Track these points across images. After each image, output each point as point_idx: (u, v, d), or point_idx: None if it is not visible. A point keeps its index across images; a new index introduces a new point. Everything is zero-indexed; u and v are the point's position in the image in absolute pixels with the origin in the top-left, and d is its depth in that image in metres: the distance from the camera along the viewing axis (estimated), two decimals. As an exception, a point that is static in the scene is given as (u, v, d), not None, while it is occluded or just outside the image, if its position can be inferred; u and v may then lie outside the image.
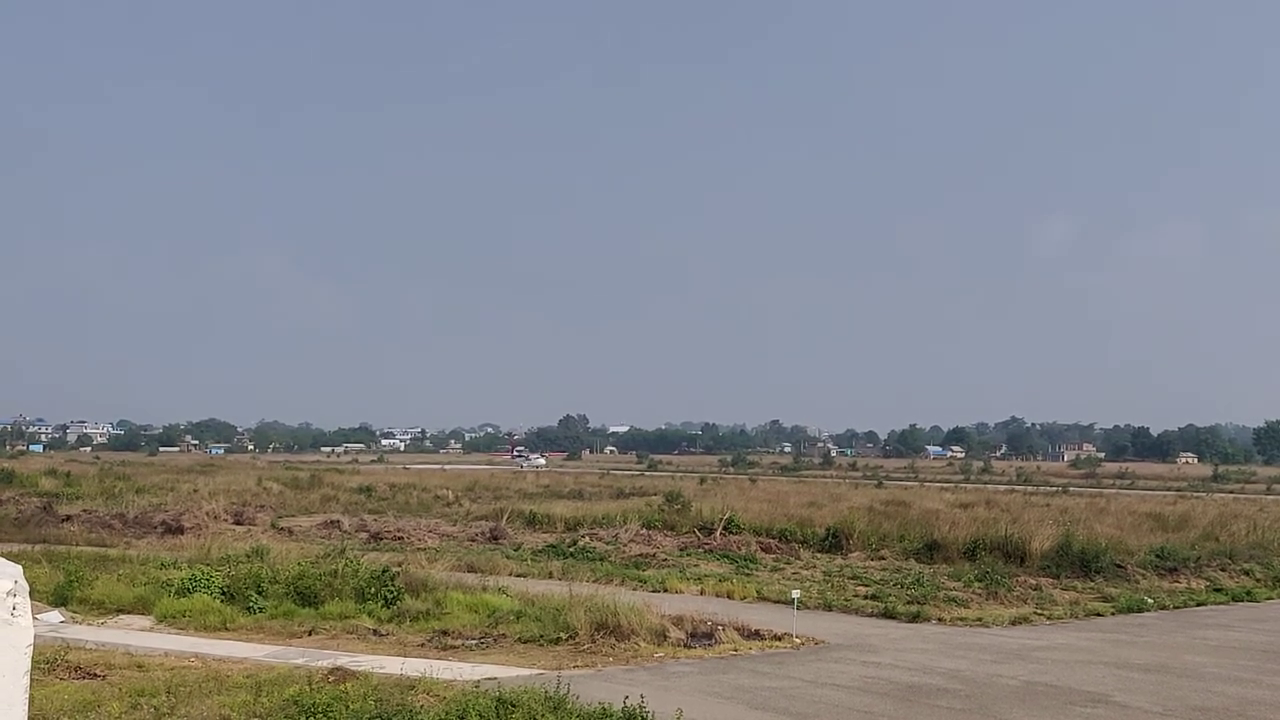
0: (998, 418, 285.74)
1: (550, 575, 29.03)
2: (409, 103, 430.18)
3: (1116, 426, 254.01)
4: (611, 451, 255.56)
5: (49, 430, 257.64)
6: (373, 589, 22.37)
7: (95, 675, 15.82)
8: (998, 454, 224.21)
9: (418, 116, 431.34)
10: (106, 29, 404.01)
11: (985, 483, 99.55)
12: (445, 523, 43.77)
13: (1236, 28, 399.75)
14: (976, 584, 28.38)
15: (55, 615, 21.77)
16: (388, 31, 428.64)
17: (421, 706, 13.74)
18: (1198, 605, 28.22)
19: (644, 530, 38.42)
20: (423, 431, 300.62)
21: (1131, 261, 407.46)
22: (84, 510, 44.87)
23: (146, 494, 54.42)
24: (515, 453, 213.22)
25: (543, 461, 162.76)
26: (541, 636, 19.76)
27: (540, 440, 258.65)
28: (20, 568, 2.89)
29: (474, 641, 19.70)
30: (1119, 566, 31.30)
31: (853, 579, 30.02)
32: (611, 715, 12.82)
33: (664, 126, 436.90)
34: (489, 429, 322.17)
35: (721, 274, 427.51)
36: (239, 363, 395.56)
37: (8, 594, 2.69)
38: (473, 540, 38.58)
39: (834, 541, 36.28)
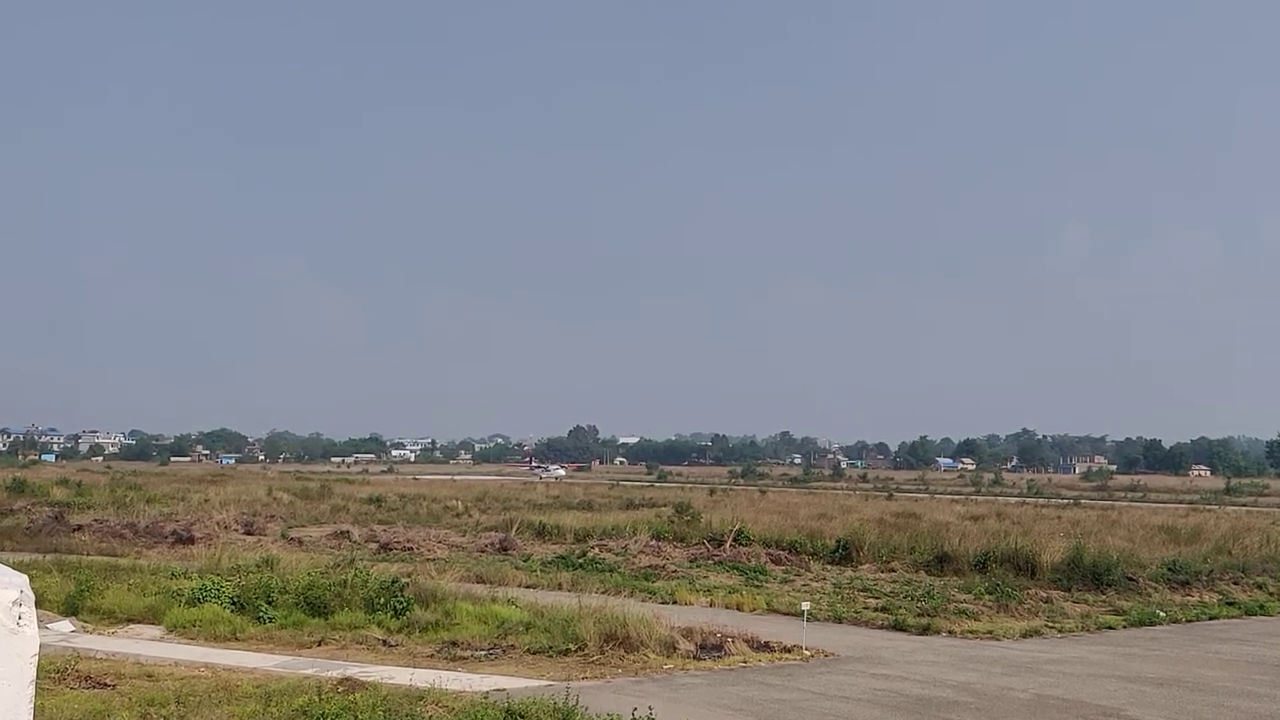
0: (1009, 430, 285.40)
1: (559, 586, 28.99)
2: (418, 110, 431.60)
3: (1128, 439, 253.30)
4: (621, 462, 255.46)
5: (61, 440, 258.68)
6: (382, 599, 22.36)
7: (105, 684, 15.84)
8: (1009, 466, 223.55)
9: (427, 124, 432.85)
10: (116, 37, 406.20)
11: (996, 495, 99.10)
12: (455, 533, 43.72)
13: (1253, 34, 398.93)
14: (987, 596, 28.26)
15: (66, 624, 21.81)
16: (396, 36, 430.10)
17: (430, 717, 13.75)
18: (1210, 619, 28.05)
19: (654, 541, 38.36)
20: (433, 442, 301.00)
21: (1144, 272, 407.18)
22: (95, 519, 44.91)
23: (157, 503, 54.50)
24: (533, 464, 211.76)
25: (562, 472, 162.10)
26: (550, 647, 19.74)
27: (550, 451, 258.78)
28: (26, 577, 2.89)
29: (483, 652, 19.68)
30: (1130, 579, 31.16)
31: (863, 591, 29.93)
32: (620, 727, 12.79)
33: (670, 133, 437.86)
34: (499, 439, 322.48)
35: (732, 284, 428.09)
36: (250, 373, 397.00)
37: (14, 603, 2.69)
38: (482, 551, 38.52)
39: (844, 553, 36.20)
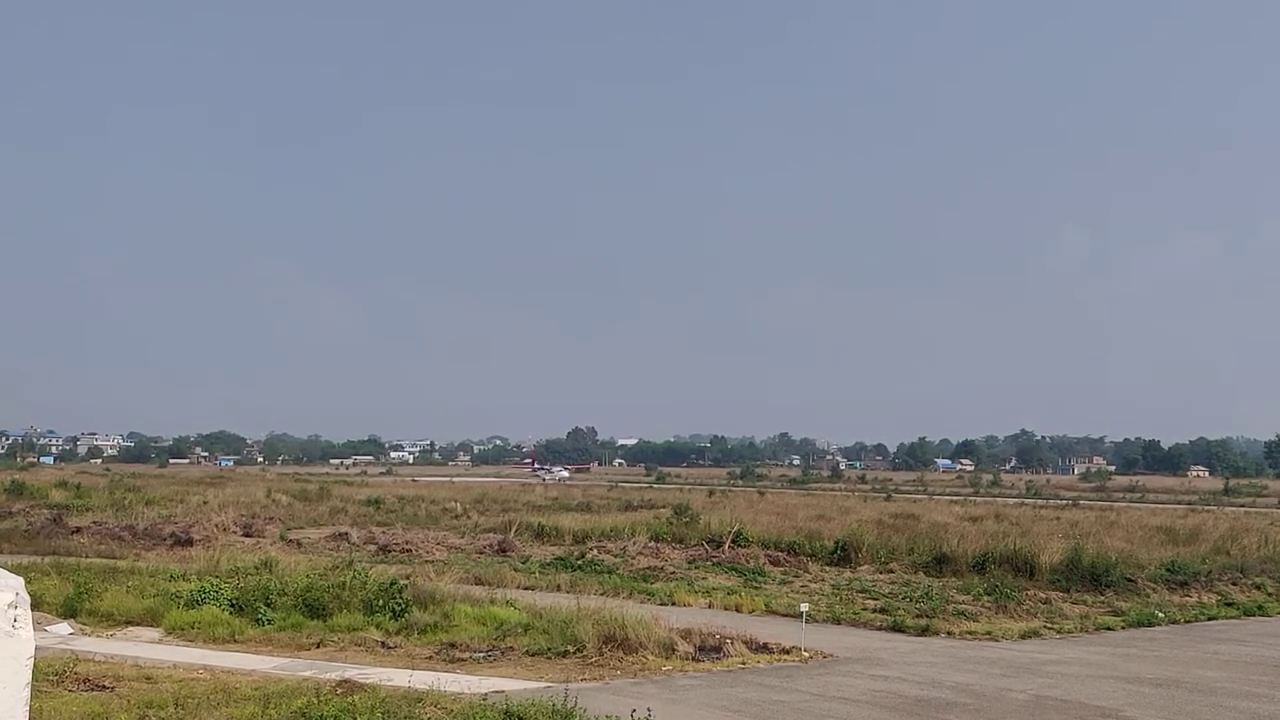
0: (1007, 430, 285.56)
1: (558, 588, 29.01)
2: (417, 112, 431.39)
3: (1127, 439, 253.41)
4: (620, 464, 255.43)
5: (60, 442, 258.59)
6: (381, 601, 22.38)
7: (103, 687, 15.84)
8: (1007, 467, 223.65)
9: (425, 127, 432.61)
10: (113, 44, 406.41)
11: (995, 496, 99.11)
12: (453, 535, 43.73)
13: (1253, 40, 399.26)
14: (986, 597, 28.28)
15: (64, 627, 21.81)
16: (397, 37, 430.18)
17: (429, 719, 13.74)
18: (1209, 619, 28.08)
19: (652, 543, 38.36)
20: (431, 444, 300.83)
21: (1143, 274, 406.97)
22: (94, 522, 44.94)
23: (156, 506, 54.50)
24: (535, 465, 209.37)
25: (566, 474, 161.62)
26: (549, 649, 19.75)
27: (549, 452, 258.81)
28: (22, 580, 2.90)
29: (482, 654, 19.69)
30: (1129, 580, 31.18)
31: (861, 592, 29.94)
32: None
33: (668, 134, 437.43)
34: (497, 441, 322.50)
35: (730, 285, 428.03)
36: (248, 375, 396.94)
37: (9, 606, 2.70)
38: (481, 553, 38.55)
39: (843, 554, 36.19)
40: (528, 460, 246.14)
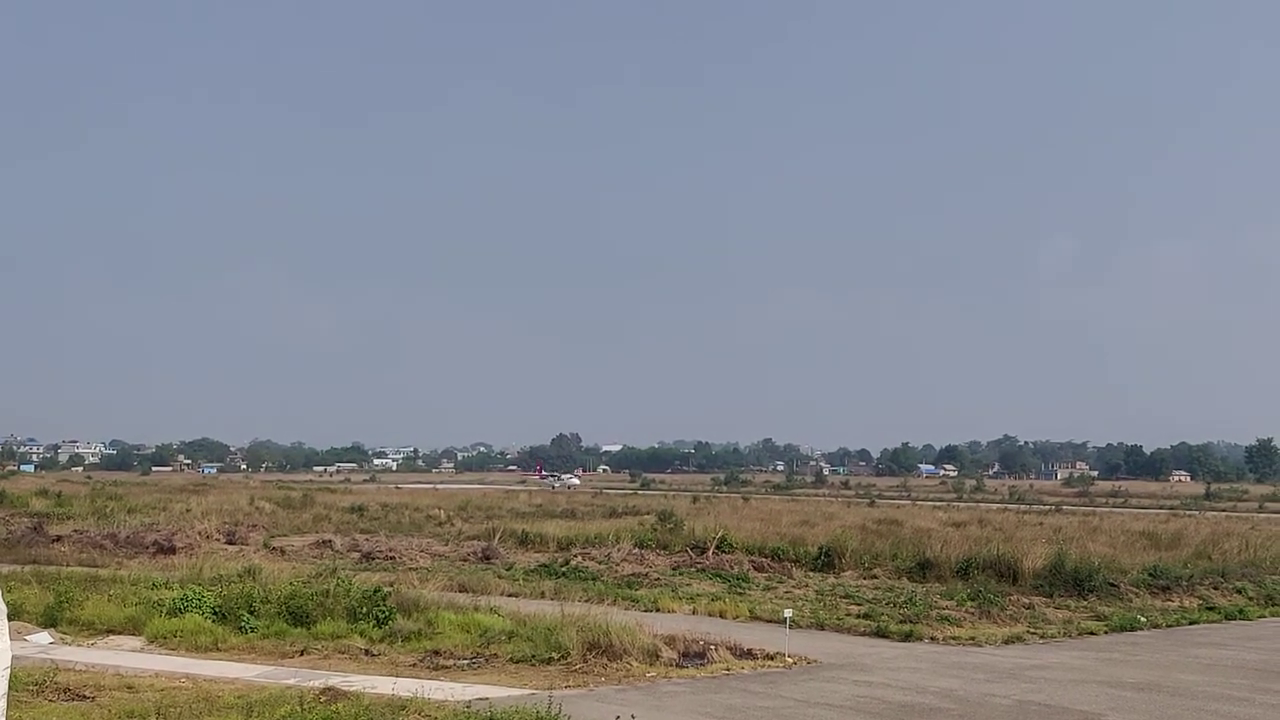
0: (990, 436, 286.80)
1: (542, 595, 29.00)
2: (402, 117, 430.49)
3: (1109, 444, 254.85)
4: (604, 470, 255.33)
5: (40, 450, 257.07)
6: (365, 609, 22.33)
7: (84, 697, 15.74)
8: (990, 472, 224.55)
9: (410, 132, 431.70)
10: (88, 57, 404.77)
11: (978, 501, 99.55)
12: (437, 542, 43.64)
13: (1245, 50, 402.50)
14: (969, 603, 28.36)
15: (44, 636, 21.68)
16: (388, 39, 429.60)
17: (412, 727, 13.71)
18: (1191, 624, 28.24)
19: (636, 549, 38.35)
20: (415, 450, 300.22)
21: (1126, 280, 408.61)
22: (75, 530, 44.67)
23: (138, 514, 54.17)
24: (543, 473, 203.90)
25: (577, 481, 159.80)
26: (533, 656, 19.73)
27: (533, 459, 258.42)
28: None
29: (466, 661, 19.66)
30: (1112, 585, 31.32)
31: (845, 598, 29.99)
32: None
33: (656, 143, 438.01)
34: (481, 448, 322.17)
35: (715, 291, 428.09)
36: (231, 382, 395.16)
37: (-13, 615, 2.68)
38: (465, 560, 38.49)
39: (826, 560, 36.25)
40: (536, 468, 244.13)
